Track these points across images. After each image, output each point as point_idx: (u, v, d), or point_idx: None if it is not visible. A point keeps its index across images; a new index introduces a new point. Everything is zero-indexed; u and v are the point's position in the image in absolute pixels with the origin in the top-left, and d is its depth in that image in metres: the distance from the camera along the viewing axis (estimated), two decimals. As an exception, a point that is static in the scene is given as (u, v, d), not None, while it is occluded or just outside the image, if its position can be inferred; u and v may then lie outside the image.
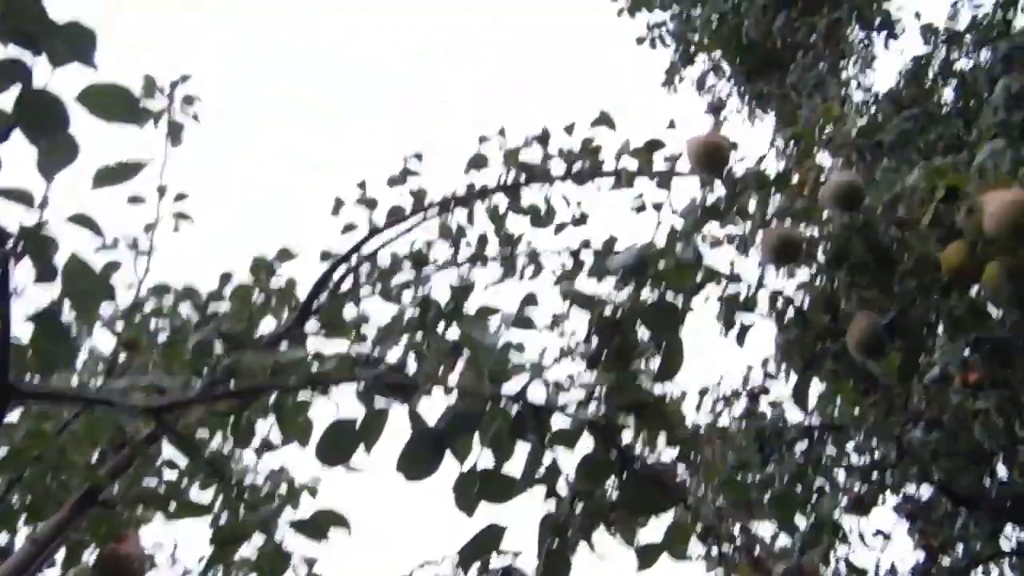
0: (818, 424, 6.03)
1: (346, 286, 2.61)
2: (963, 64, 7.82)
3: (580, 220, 2.83)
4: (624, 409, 1.60)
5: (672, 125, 2.75)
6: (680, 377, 1.69)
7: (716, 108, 7.90)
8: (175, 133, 2.79)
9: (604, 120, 2.71)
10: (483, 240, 2.82)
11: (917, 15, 8.27)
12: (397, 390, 1.49)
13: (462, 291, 2.18)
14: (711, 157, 2.39)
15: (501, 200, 2.81)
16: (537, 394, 1.51)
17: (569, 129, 2.78)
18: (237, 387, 1.53)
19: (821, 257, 2.43)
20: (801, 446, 5.99)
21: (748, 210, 2.56)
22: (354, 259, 2.66)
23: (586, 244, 2.82)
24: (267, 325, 2.52)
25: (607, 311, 1.61)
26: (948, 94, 7.63)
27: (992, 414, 4.74)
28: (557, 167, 2.82)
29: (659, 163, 2.75)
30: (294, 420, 1.57)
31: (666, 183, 2.69)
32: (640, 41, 8.13)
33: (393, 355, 1.61)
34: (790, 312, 2.56)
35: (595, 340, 1.62)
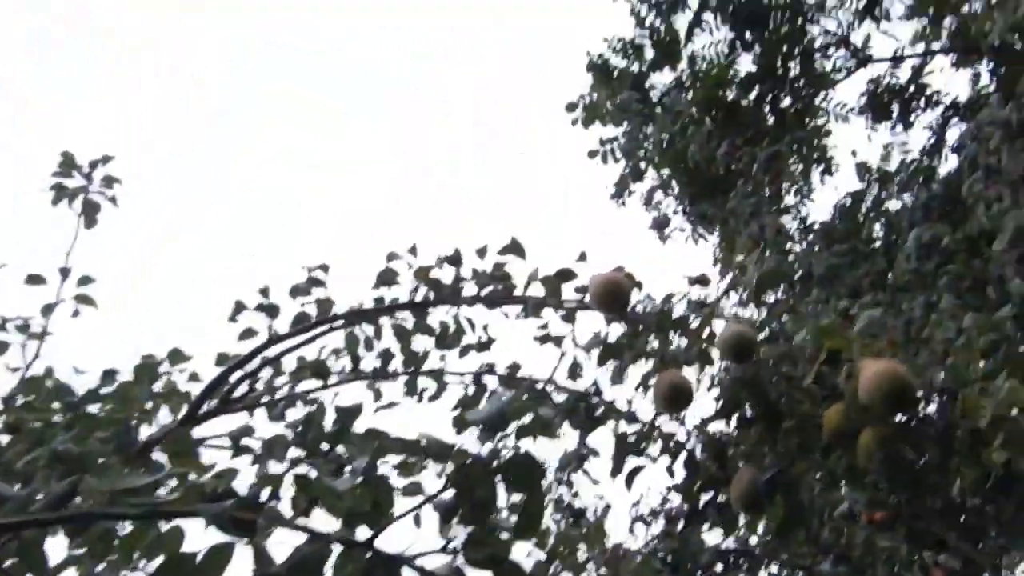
0: (733, 548, 6.01)
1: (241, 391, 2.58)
2: (892, 204, 8.17)
3: (485, 345, 2.85)
4: (480, 564, 1.60)
5: (583, 258, 2.81)
6: (606, 490, 1.70)
7: (660, 225, 8.10)
8: (90, 213, 2.78)
9: (514, 248, 2.75)
10: (387, 355, 2.81)
11: (853, 152, 8.67)
12: (243, 526, 1.46)
13: (348, 412, 2.16)
14: (611, 296, 2.44)
15: (408, 317, 2.82)
16: (390, 542, 1.49)
17: (481, 252, 2.82)
18: (71, 512, 1.49)
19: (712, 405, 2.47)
20: (717, 569, 5.96)
21: (647, 350, 2.61)
22: (256, 362, 2.63)
23: (490, 369, 2.83)
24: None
25: (466, 462, 1.61)
26: (878, 230, 7.94)
27: (899, 550, 4.79)
28: (468, 289, 2.85)
29: (570, 292, 2.80)
30: (131, 549, 1.52)
31: (571, 316, 2.73)
32: (592, 155, 8.35)
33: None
34: (682, 456, 2.58)
35: (452, 492, 1.62)
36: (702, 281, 2.74)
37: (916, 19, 8.83)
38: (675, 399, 2.36)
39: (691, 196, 8.21)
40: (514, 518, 1.68)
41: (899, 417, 2.29)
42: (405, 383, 2.82)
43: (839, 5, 8.92)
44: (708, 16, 8.55)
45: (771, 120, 8.78)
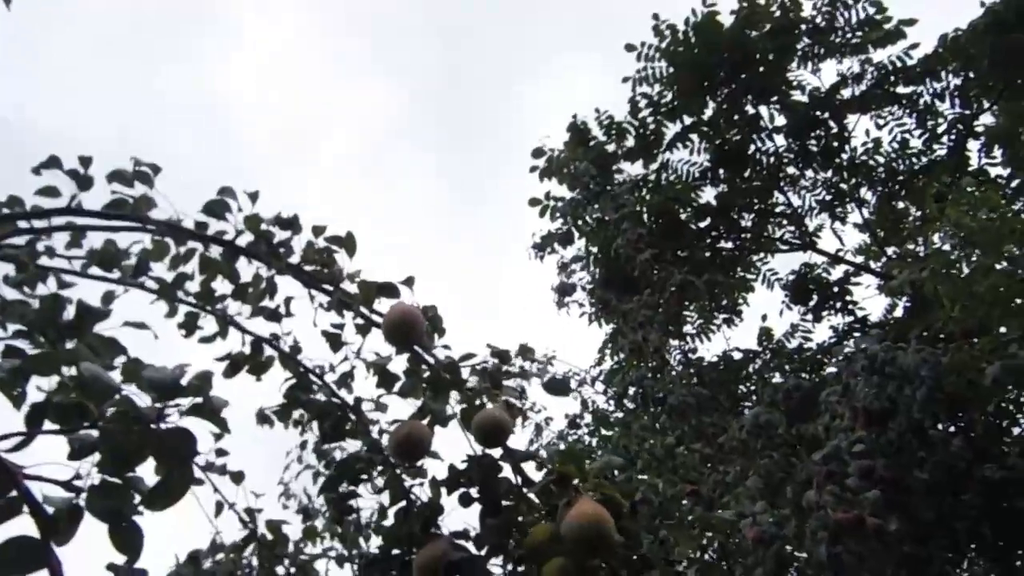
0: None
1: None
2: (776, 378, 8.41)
3: (277, 315, 2.80)
4: (99, 514, 1.57)
5: (410, 282, 2.77)
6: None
7: (563, 291, 8.16)
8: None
9: (346, 242, 2.72)
10: (182, 277, 2.74)
11: (764, 317, 8.93)
12: None
13: (92, 312, 2.07)
14: (398, 327, 2.42)
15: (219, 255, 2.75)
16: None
17: (317, 231, 2.78)
18: None
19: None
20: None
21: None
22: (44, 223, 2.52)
23: (274, 340, 2.78)
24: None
25: (124, 411, 1.57)
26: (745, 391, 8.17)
27: None
28: (292, 258, 2.80)
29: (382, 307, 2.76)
30: None
31: (366, 330, 2.71)
32: (533, 203, 8.40)
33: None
34: (400, 504, 2.56)
35: (98, 432, 1.58)
36: (503, 356, 2.74)
37: (866, 234, 9.21)
38: (405, 450, 2.34)
39: (603, 280, 8.30)
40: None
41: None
42: (186, 314, 2.74)
43: (811, 188, 9.23)
44: (695, 137, 8.74)
45: (706, 254, 8.98)
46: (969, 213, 5.94)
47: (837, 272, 9.03)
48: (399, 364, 2.65)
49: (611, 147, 8.64)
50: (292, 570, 3.02)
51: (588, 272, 8.54)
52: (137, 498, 1.61)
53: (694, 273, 8.05)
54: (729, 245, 9.28)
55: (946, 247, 5.56)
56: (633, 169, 8.89)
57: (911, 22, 8.65)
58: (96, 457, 1.60)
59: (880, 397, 5.60)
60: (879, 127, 8.98)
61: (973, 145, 8.84)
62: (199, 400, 1.66)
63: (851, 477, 5.04)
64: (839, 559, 4.81)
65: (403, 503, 2.58)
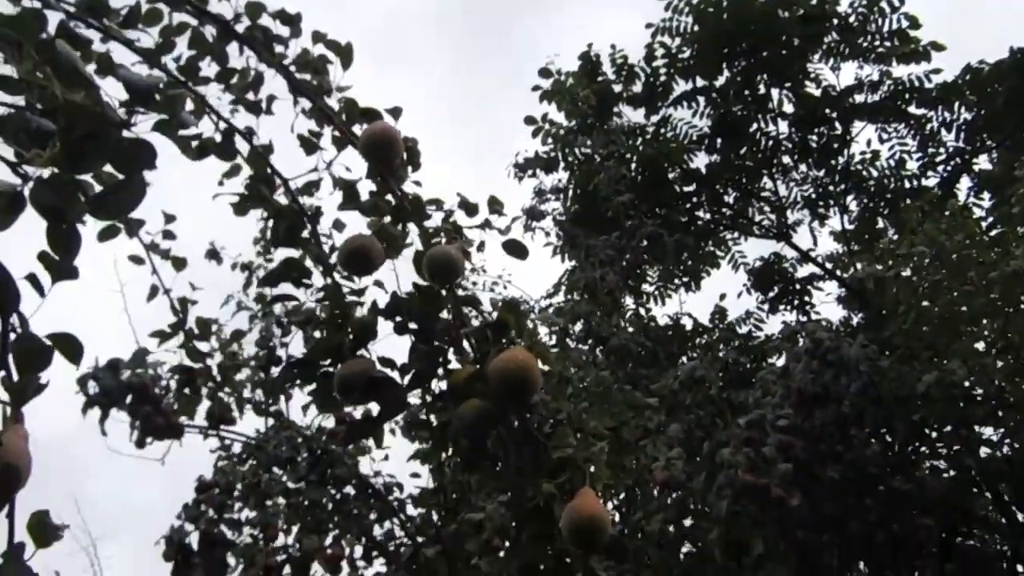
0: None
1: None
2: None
3: (257, 108, 2.72)
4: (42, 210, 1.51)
5: (397, 113, 2.71)
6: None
7: (532, 215, 8.10)
8: None
9: (344, 54, 2.64)
10: (169, 44, 2.64)
11: (722, 296, 8.98)
12: None
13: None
14: (375, 146, 2.36)
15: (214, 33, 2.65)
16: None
17: (317, 37, 2.70)
18: None
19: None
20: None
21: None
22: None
23: (249, 132, 2.71)
24: None
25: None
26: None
27: None
28: (285, 56, 2.72)
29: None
30: None
31: (342, 145, 2.65)
32: (528, 121, 8.29)
33: None
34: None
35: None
36: (470, 208, 2.70)
37: (840, 244, 9.30)
38: (355, 259, 2.31)
39: (576, 215, 8.27)
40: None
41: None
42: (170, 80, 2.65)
43: (800, 182, 9.25)
44: (702, 100, 8.68)
45: (683, 218, 8.99)
46: (945, 233, 6.00)
47: (804, 271, 9.11)
48: (367, 186, 2.61)
49: (618, 87, 8.55)
50: (216, 375, 2.99)
51: (563, 204, 8.49)
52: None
53: (667, 231, 8.07)
54: (707, 216, 9.29)
55: (916, 256, 5.61)
56: (634, 116, 8.82)
57: (940, 47, 8.62)
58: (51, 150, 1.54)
59: (816, 382, 5.69)
60: (881, 140, 9.01)
61: (965, 181, 8.94)
62: (166, 117, 1.60)
63: (768, 447, 5.14)
64: (737, 518, 4.92)
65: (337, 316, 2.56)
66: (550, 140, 8.37)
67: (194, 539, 4.92)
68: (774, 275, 9.13)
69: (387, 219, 2.53)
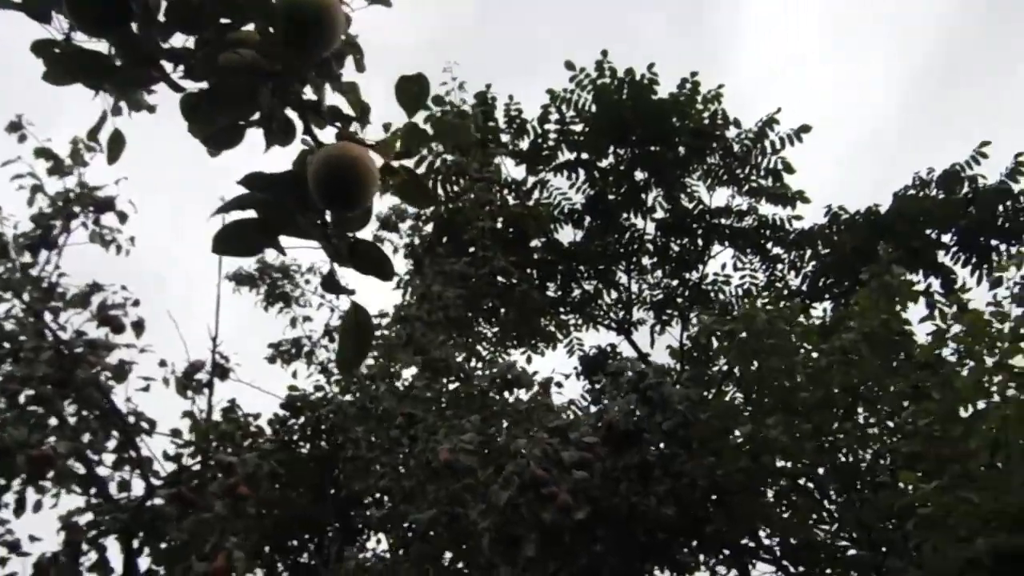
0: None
1: None
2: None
3: None
4: None
5: None
6: None
7: (385, 224, 7.71)
8: None
9: None
10: None
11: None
12: None
13: None
14: None
15: None
16: None
17: None
18: None
19: None
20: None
21: None
22: None
23: None
24: None
25: None
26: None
27: None
28: None
29: None
30: None
31: None
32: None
33: None
34: None
35: None
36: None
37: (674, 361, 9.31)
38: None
39: (429, 239, 7.91)
40: None
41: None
42: None
43: (651, 286, 9.33)
44: (582, 173, 8.75)
45: (536, 281, 8.81)
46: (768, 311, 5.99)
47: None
48: None
49: (506, 137, 8.51)
50: None
51: (417, 233, 8.15)
52: None
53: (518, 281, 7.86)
54: (558, 294, 9.17)
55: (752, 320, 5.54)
56: (514, 172, 8.77)
57: (806, 200, 9.06)
58: None
59: (628, 420, 5.40)
60: (735, 268, 9.26)
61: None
62: None
63: (568, 453, 4.74)
64: (516, 511, 4.42)
65: None
66: (424, 167, 8.14)
67: None
68: (602, 367, 8.98)
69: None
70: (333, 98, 1.42)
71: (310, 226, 1.21)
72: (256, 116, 1.33)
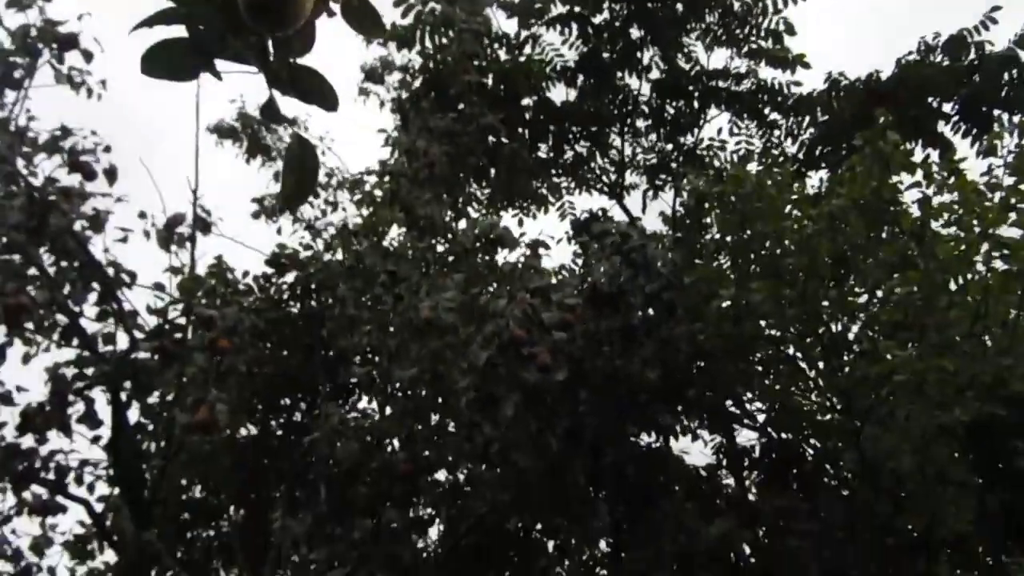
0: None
1: None
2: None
3: None
4: None
5: None
6: None
7: (370, 76, 7.42)
8: None
9: None
10: None
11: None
12: None
13: None
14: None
15: None
16: None
17: None
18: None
19: None
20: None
21: None
22: None
23: None
24: None
25: None
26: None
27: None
28: None
29: None
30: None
31: None
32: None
33: None
34: None
35: None
36: None
37: (667, 227, 9.22)
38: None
39: (416, 92, 7.64)
40: None
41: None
42: None
43: (646, 149, 9.14)
44: (575, 27, 8.40)
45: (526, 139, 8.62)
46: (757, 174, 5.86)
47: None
48: None
49: (494, -7, 8.10)
50: None
51: (405, 86, 7.87)
52: None
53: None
54: (551, 155, 8.99)
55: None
56: (505, 25, 8.42)
57: (806, 65, 8.75)
58: None
59: (613, 283, 5.38)
60: (731, 133, 9.04)
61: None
62: None
63: (549, 314, 4.73)
64: (495, 371, 4.45)
65: None
66: (411, 17, 7.77)
67: None
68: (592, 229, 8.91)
69: None
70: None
71: (245, 48, 1.10)
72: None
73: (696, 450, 6.18)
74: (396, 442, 5.42)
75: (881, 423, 4.77)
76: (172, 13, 1.06)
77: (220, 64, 1.15)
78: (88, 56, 5.43)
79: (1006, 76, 7.92)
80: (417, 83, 7.55)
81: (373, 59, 7.43)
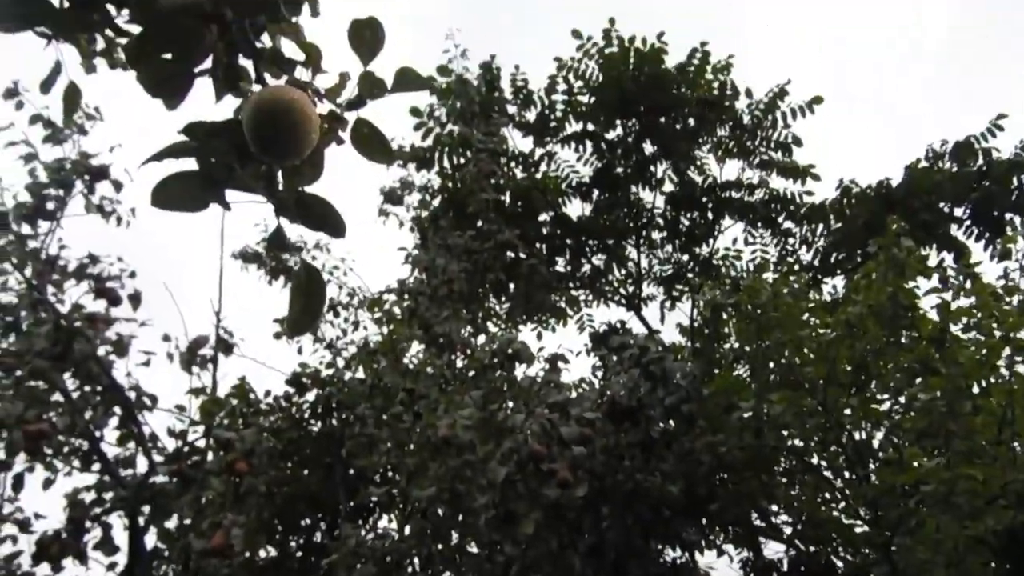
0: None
1: None
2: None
3: None
4: None
5: None
6: None
7: (390, 198, 7.63)
8: None
9: None
10: None
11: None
12: None
13: None
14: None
15: None
16: None
17: None
18: None
19: None
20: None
21: None
22: None
23: None
24: None
25: None
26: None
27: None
28: None
29: None
30: None
31: None
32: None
33: None
34: None
35: None
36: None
37: (685, 338, 9.23)
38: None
39: (434, 212, 7.82)
40: None
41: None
42: None
43: (662, 261, 9.24)
44: (589, 145, 8.64)
45: (544, 254, 8.74)
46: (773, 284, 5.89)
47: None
48: None
49: (512, 108, 8.40)
50: None
51: (424, 207, 8.08)
52: None
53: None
54: (567, 269, 9.09)
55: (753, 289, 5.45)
56: (521, 144, 8.68)
57: (816, 177, 8.92)
58: None
59: (632, 396, 5.34)
60: (747, 242, 9.14)
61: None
62: None
63: (568, 429, 4.68)
64: (513, 487, 4.38)
65: None
66: (430, 139, 8.06)
67: None
68: (610, 343, 8.91)
69: None
70: (286, 46, 1.36)
71: (252, 178, 1.15)
72: (208, 64, 1.27)
73: (723, 565, 5.95)
74: (416, 561, 5.31)
75: (911, 534, 4.62)
76: (182, 147, 1.12)
77: (230, 194, 1.21)
78: (118, 186, 5.66)
79: (1015, 181, 8.03)
80: (436, 202, 7.77)
81: (392, 181, 7.67)
